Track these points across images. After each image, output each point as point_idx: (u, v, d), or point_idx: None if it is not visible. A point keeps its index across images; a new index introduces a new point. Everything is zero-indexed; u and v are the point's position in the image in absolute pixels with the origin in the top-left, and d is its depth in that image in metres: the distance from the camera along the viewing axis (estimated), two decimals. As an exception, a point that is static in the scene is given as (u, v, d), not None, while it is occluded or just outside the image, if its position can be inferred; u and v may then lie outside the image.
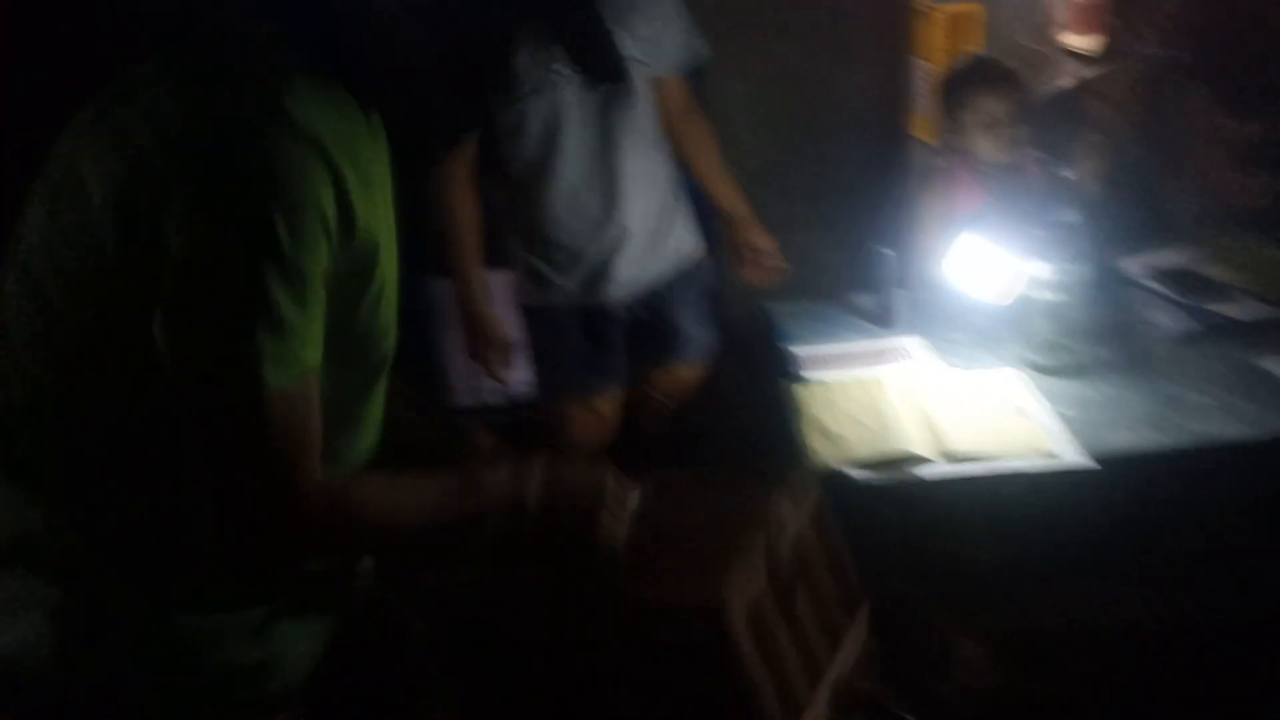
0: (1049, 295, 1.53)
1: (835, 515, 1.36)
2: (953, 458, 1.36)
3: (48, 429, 0.82)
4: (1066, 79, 2.32)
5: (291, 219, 0.73)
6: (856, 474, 1.35)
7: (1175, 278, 1.80)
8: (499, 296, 2.34)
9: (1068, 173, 1.51)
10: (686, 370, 1.99)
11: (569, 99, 1.70)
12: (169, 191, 0.72)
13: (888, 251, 1.72)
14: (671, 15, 1.79)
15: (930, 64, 3.45)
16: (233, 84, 0.76)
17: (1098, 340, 1.59)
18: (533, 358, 1.95)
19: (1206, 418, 1.41)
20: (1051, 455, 1.35)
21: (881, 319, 1.76)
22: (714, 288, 1.97)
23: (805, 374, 1.61)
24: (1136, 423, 1.42)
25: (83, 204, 0.76)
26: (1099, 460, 1.33)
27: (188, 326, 0.74)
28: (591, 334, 1.86)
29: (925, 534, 1.39)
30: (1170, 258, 1.88)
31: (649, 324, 1.90)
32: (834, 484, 1.35)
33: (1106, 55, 2.15)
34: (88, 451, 0.81)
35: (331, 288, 0.79)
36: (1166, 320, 1.67)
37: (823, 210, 2.35)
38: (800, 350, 1.69)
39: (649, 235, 1.82)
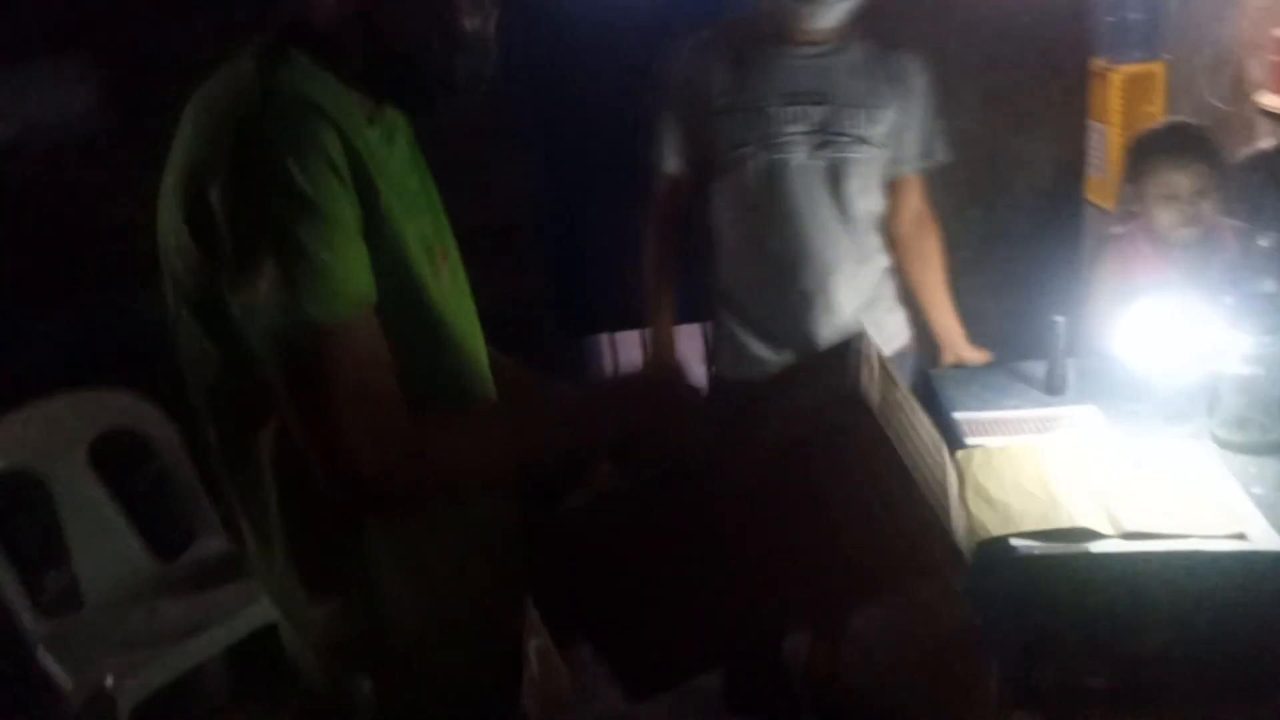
0: (1242, 368, 1.45)
1: (998, 585, 1.34)
2: (1130, 534, 1.30)
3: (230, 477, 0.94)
4: (1265, 141, 2.20)
5: (303, 162, 0.80)
6: (1021, 544, 1.31)
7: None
8: (687, 349, 2.42)
9: (1265, 240, 1.44)
10: None
11: (793, 163, 1.71)
12: (208, 164, 0.82)
13: (1059, 318, 1.68)
14: (918, 111, 1.78)
15: (1108, 126, 3.34)
16: (243, 65, 0.87)
17: (1295, 417, 1.49)
18: None
19: None
20: (1240, 536, 1.27)
21: (1052, 387, 1.71)
22: (922, 378, 1.91)
23: (970, 440, 1.59)
24: (1341, 507, 1.32)
25: (166, 202, 0.87)
26: (1295, 545, 1.25)
27: (239, 279, 0.80)
28: None
29: (1097, 614, 1.33)
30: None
31: None
32: (997, 553, 1.32)
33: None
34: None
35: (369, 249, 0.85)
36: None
37: (998, 276, 2.31)
38: (966, 416, 1.67)
39: (859, 321, 1.78)
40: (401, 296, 0.90)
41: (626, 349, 2.83)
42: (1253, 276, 1.42)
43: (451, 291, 1.00)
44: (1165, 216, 1.88)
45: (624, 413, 1.00)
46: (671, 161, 1.81)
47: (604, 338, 2.88)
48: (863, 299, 1.82)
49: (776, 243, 1.75)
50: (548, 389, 1.18)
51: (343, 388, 0.81)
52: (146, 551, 2.11)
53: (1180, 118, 2.29)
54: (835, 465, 0.99)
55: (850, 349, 1.12)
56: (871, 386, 1.01)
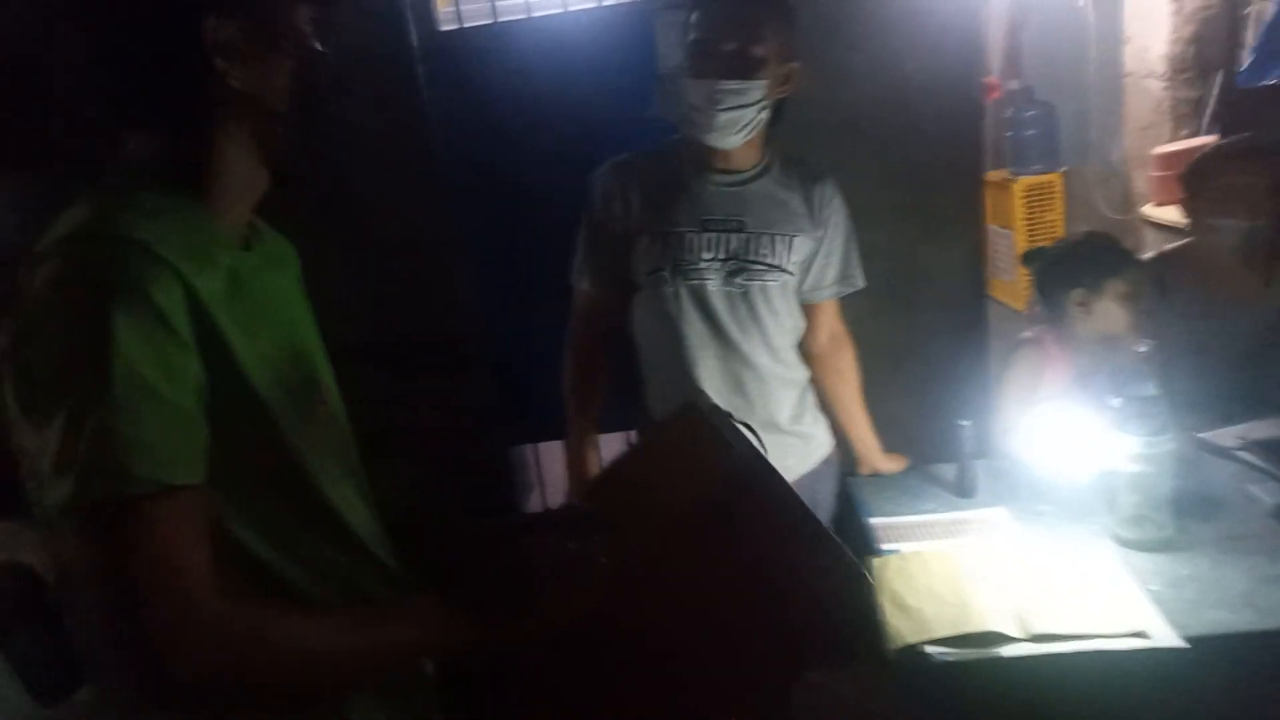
0: (1133, 467, 1.52)
1: (912, 695, 1.36)
2: (1037, 636, 1.33)
3: None
4: (1148, 250, 2.35)
5: (127, 317, 0.73)
6: (935, 651, 1.34)
7: (1271, 450, 1.75)
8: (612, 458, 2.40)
9: (1143, 346, 1.52)
10: None
11: (709, 288, 1.73)
12: (31, 322, 0.76)
13: (965, 422, 1.74)
14: (836, 239, 1.83)
15: (1013, 233, 3.53)
16: (78, 209, 0.82)
17: (1188, 514, 1.56)
18: None
19: (1311, 599, 1.36)
20: (1141, 634, 1.31)
21: (962, 489, 1.77)
22: (841, 485, 1.94)
23: (884, 546, 1.62)
24: (1232, 601, 1.36)
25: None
26: (1192, 640, 1.29)
27: (29, 446, 0.75)
28: None
29: (1010, 716, 1.35)
30: (1265, 429, 1.83)
31: None
32: (913, 661, 1.34)
33: (1191, 227, 2.17)
34: None
35: (214, 405, 0.79)
36: (1262, 493, 1.62)
37: (910, 381, 2.39)
38: (880, 522, 1.70)
39: (784, 434, 1.82)
40: (260, 451, 0.85)
41: (551, 459, 2.83)
42: (1136, 380, 1.50)
43: (327, 437, 0.95)
44: (1120, 319, 1.94)
45: (492, 622, 0.92)
46: (590, 280, 1.84)
47: (529, 448, 2.88)
48: (788, 414, 1.85)
49: (697, 362, 1.76)
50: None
51: (141, 579, 0.73)
52: (25, 696, 1.97)
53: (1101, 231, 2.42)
54: (744, 520, 1.03)
55: (702, 412, 1.19)
56: (748, 443, 1.10)
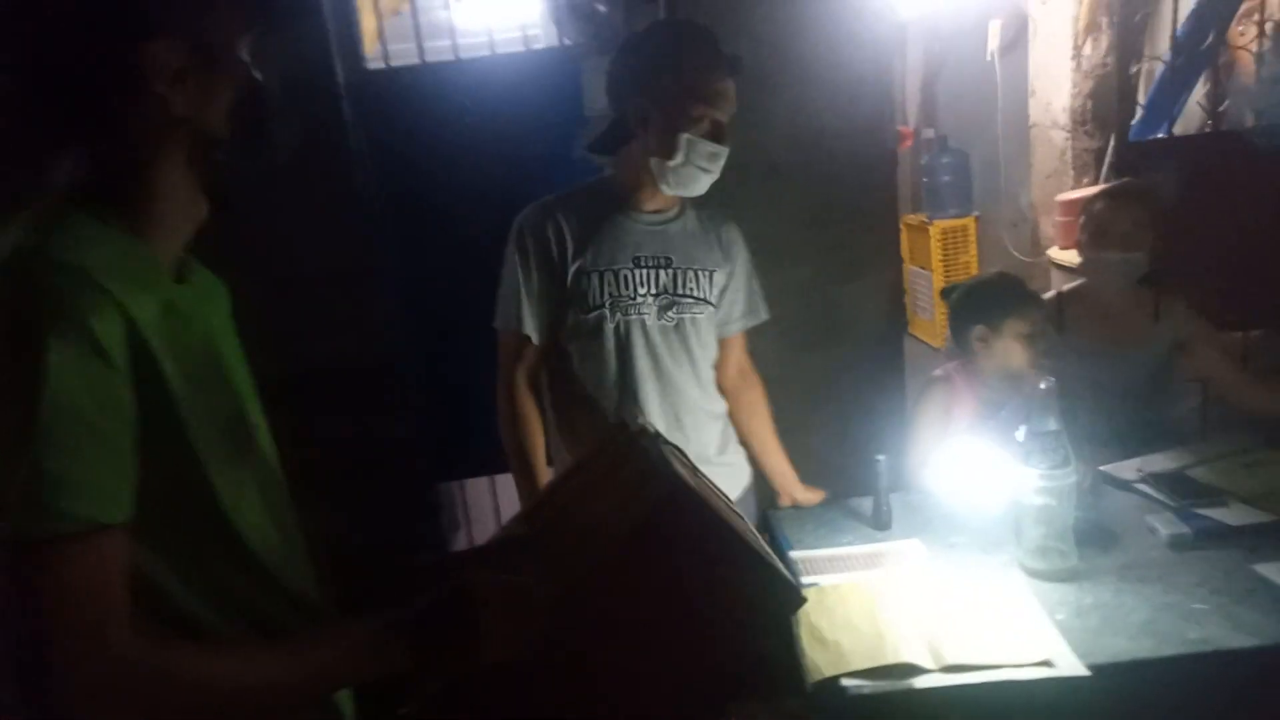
0: (1038, 500, 1.58)
1: (834, 716, 1.38)
2: (948, 666, 1.36)
3: None
4: (1050, 291, 2.46)
5: (60, 345, 0.72)
6: (851, 684, 1.36)
7: (1166, 482, 1.84)
8: (507, 499, 2.37)
9: (1044, 383, 1.59)
10: None
11: (646, 322, 1.79)
12: None
13: (881, 457, 1.79)
14: (742, 274, 1.92)
15: (931, 273, 3.67)
16: (9, 234, 0.79)
17: (1091, 544, 1.62)
18: None
19: (1204, 624, 1.41)
20: (1046, 663, 1.35)
21: (878, 522, 1.81)
22: (763, 516, 1.98)
23: (804, 578, 1.64)
24: (1132, 629, 1.42)
25: None
26: (1095, 668, 1.33)
27: None
28: None
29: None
30: (1160, 462, 1.92)
31: None
32: (831, 694, 1.36)
33: (1082, 266, 2.29)
34: None
35: (146, 431, 0.77)
36: (1159, 524, 1.69)
37: (831, 416, 2.44)
38: (799, 554, 1.73)
39: (713, 465, 1.86)
40: (183, 486, 0.83)
41: (476, 495, 2.81)
42: (1038, 416, 1.57)
43: (254, 476, 0.93)
44: (1020, 356, 2.02)
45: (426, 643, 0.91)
46: (522, 322, 1.82)
47: (456, 486, 2.85)
48: (715, 445, 1.90)
49: (641, 397, 1.80)
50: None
51: (60, 618, 0.72)
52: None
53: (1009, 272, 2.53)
54: (674, 545, 1.04)
55: (631, 435, 1.20)
56: (677, 466, 1.10)
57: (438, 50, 2.61)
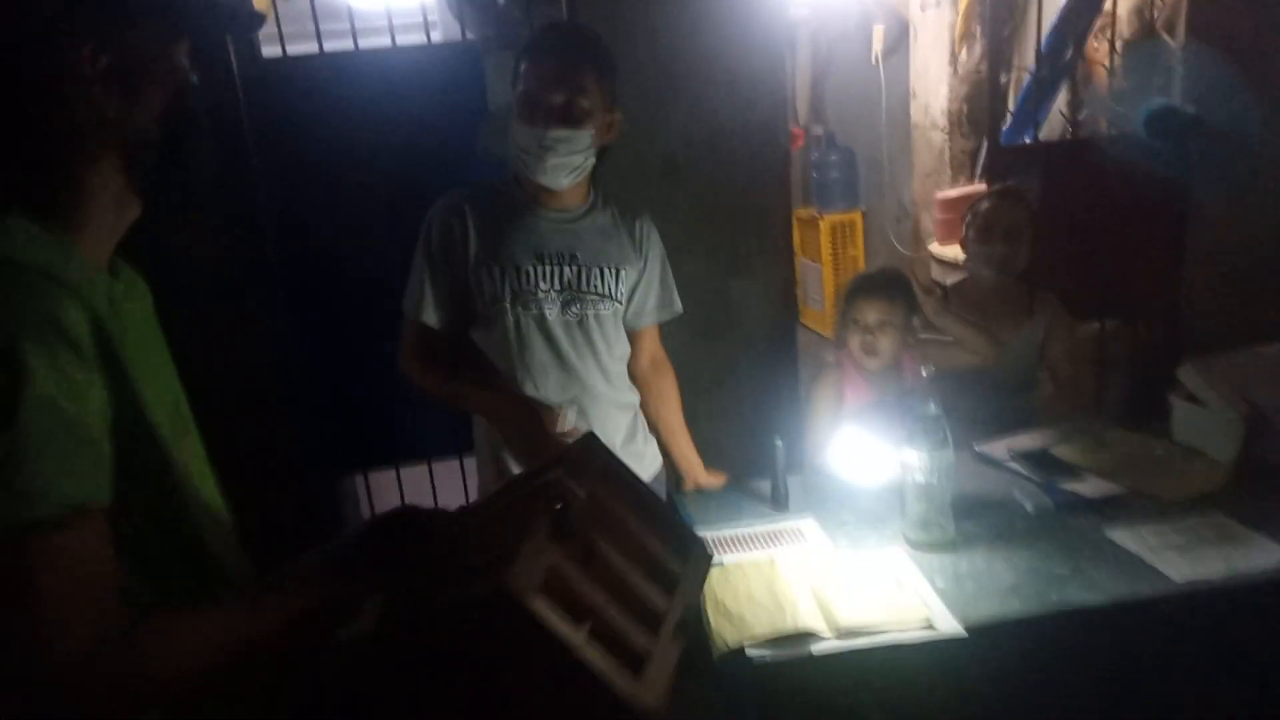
0: (920, 478, 1.71)
1: (739, 692, 1.47)
2: (842, 632, 1.48)
3: None
4: (932, 282, 2.63)
5: (36, 343, 0.74)
6: (756, 653, 1.45)
7: (1032, 459, 2.02)
8: (445, 485, 2.38)
9: (926, 370, 1.73)
10: None
11: (548, 317, 1.82)
12: None
13: (778, 441, 1.90)
14: (656, 269, 1.97)
15: (822, 266, 3.84)
16: None
17: (966, 517, 1.77)
18: None
19: (1063, 586, 1.56)
20: (928, 626, 1.48)
21: (777, 502, 1.92)
22: (669, 499, 2.05)
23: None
24: (1002, 592, 1.56)
25: None
26: (971, 628, 1.47)
27: None
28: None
29: (825, 710, 1.49)
30: (1027, 441, 2.10)
31: None
32: (735, 663, 1.45)
33: (966, 261, 2.47)
34: None
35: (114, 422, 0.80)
36: (1025, 498, 1.86)
37: (728, 403, 2.55)
38: (705, 534, 1.82)
39: (621, 452, 1.86)
40: (146, 469, 0.86)
41: (381, 490, 2.81)
42: (921, 400, 1.70)
43: (193, 462, 0.96)
44: (863, 345, 2.20)
45: (370, 562, 0.96)
46: (425, 311, 1.86)
47: (360, 479, 2.84)
48: (623, 435, 1.96)
49: (540, 388, 1.84)
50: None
51: (38, 599, 0.74)
52: None
53: (888, 265, 2.70)
54: (489, 638, 0.98)
55: (548, 487, 1.09)
56: (536, 561, 0.98)
57: (335, 33, 2.56)
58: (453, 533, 1.05)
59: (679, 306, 2.04)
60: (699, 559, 1.14)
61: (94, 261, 0.89)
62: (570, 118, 1.74)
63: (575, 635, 0.95)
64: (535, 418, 1.79)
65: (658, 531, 1.11)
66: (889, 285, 2.27)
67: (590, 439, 1.21)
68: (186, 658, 0.82)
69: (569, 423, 1.82)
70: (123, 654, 0.78)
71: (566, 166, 1.78)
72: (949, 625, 1.48)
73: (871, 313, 2.19)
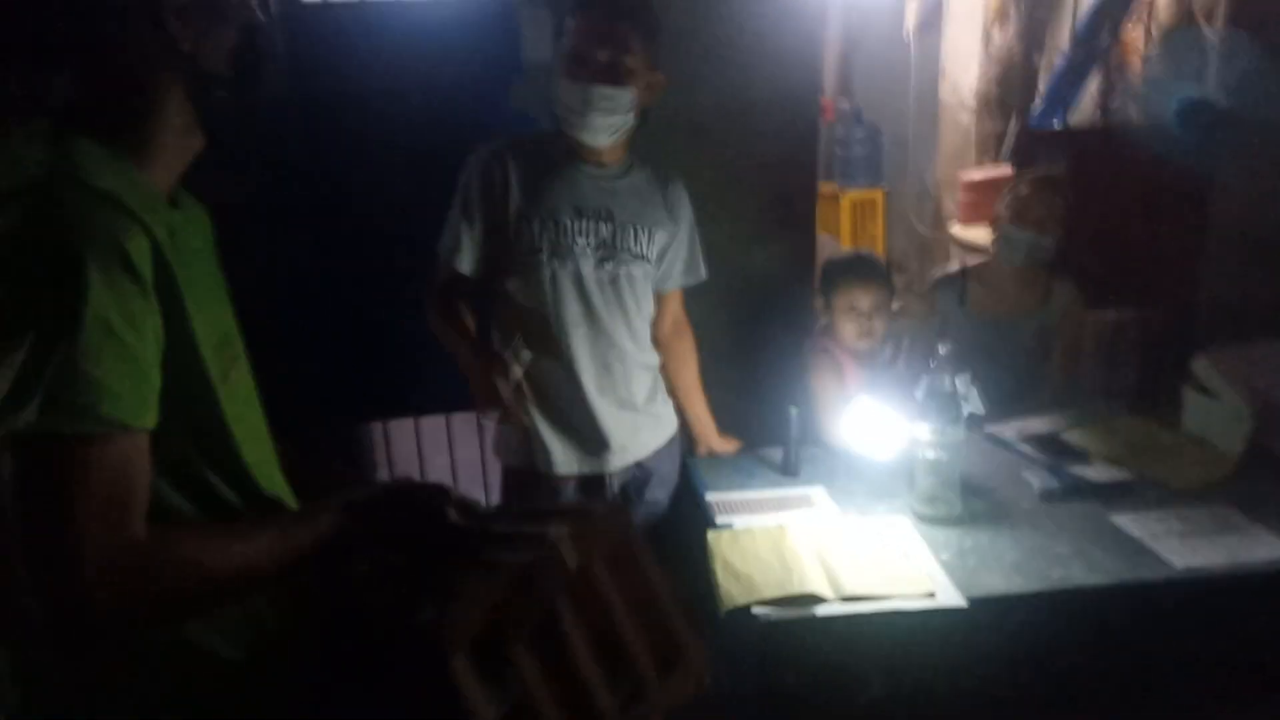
0: (930, 453, 1.75)
1: (742, 649, 1.52)
2: (846, 597, 1.52)
3: None
4: (953, 264, 2.65)
5: (100, 264, 0.77)
6: (761, 612, 1.50)
7: (1041, 442, 2.05)
8: (461, 438, 2.41)
9: (943, 348, 1.75)
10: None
11: (583, 272, 1.84)
12: None
13: (794, 409, 1.93)
14: (685, 234, 1.99)
15: (838, 239, 3.84)
16: (25, 148, 0.83)
17: (973, 494, 1.81)
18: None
19: (1065, 565, 1.60)
20: (930, 596, 1.52)
21: (788, 469, 1.96)
22: (682, 462, 2.08)
23: (719, 519, 1.78)
24: (1005, 568, 1.60)
25: None
26: (972, 600, 1.51)
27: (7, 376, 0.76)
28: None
29: (824, 669, 1.53)
30: (1038, 425, 2.13)
31: (627, 494, 2.00)
32: (741, 620, 1.50)
33: (993, 241, 2.48)
34: None
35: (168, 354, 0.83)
36: (1033, 479, 1.89)
37: (744, 371, 2.58)
38: (715, 497, 1.87)
39: (639, 413, 1.95)
40: (193, 398, 0.89)
41: (400, 437, 2.85)
42: (935, 377, 1.73)
43: (241, 392, 0.99)
44: (848, 328, 2.22)
45: (378, 515, 0.98)
46: (460, 258, 1.88)
47: (378, 426, 2.89)
48: (644, 395, 1.98)
49: (566, 342, 1.86)
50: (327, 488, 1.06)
51: (83, 510, 0.77)
52: None
53: (862, 249, 2.71)
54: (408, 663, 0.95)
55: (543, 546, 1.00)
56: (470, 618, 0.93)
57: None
58: (461, 535, 1.02)
59: (704, 273, 2.06)
60: (682, 679, 1.04)
61: (158, 191, 0.91)
62: (615, 76, 1.76)
63: (485, 709, 0.90)
64: (485, 369, 1.83)
65: (645, 636, 1.03)
66: (874, 268, 2.30)
67: (621, 512, 1.12)
68: (214, 562, 0.85)
69: (517, 373, 1.84)
70: (150, 551, 0.81)
71: (609, 125, 1.80)
72: (951, 597, 1.52)
73: (865, 298, 2.20)
